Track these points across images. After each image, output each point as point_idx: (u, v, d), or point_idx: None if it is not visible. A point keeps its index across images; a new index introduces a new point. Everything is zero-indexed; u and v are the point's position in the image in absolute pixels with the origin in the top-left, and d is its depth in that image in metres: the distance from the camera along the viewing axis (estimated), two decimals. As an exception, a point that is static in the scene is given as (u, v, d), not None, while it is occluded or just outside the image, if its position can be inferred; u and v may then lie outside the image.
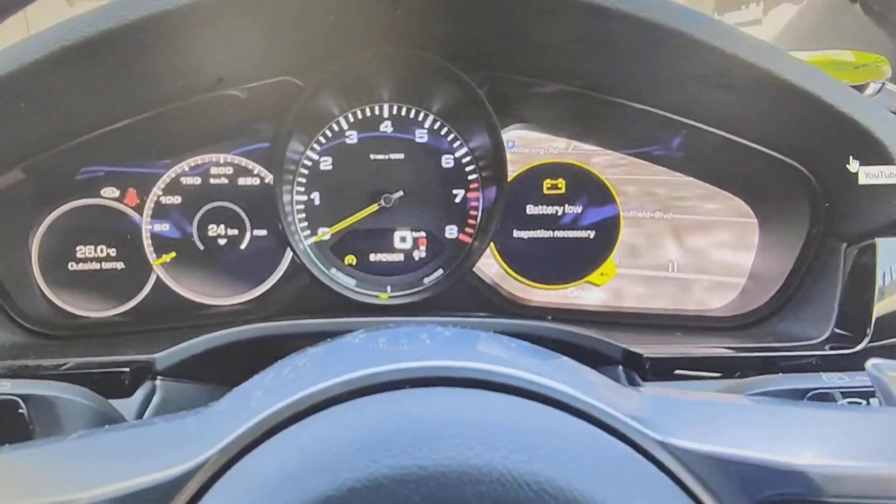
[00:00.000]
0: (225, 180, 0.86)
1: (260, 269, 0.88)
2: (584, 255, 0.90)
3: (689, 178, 0.87)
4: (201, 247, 0.87)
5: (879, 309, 0.69)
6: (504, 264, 0.91)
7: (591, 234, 0.90)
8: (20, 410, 0.56)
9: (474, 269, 0.89)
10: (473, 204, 0.90)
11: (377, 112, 0.88)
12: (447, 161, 0.89)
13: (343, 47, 0.81)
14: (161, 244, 0.86)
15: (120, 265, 0.85)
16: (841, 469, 0.34)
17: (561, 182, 0.89)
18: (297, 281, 0.87)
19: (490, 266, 0.91)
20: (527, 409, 0.34)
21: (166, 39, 0.67)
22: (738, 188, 0.86)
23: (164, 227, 0.85)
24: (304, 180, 0.88)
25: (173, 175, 0.85)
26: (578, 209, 0.89)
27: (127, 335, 0.83)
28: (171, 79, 0.75)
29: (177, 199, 0.85)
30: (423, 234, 0.90)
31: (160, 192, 0.85)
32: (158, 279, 0.86)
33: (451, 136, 0.89)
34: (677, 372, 0.71)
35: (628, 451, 0.33)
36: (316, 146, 0.88)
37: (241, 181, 0.86)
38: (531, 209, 0.90)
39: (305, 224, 0.89)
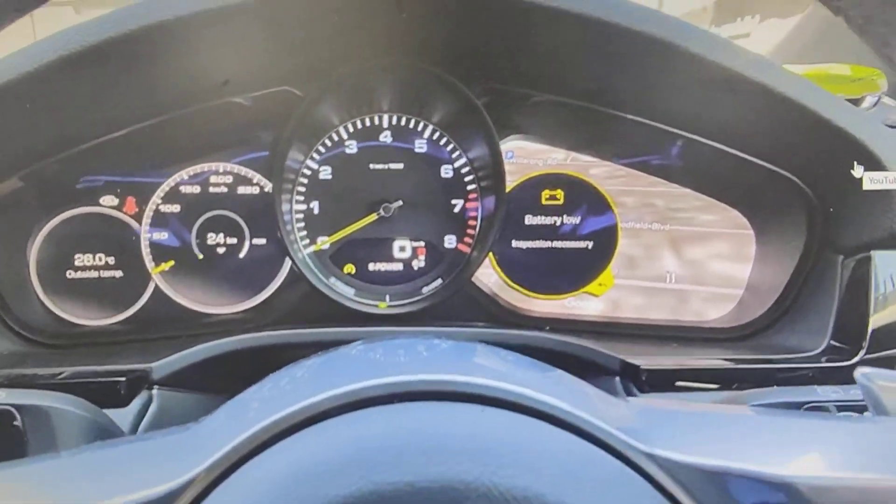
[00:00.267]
0: (224, 189, 0.86)
1: (259, 277, 0.88)
2: (582, 266, 0.90)
3: (687, 190, 0.88)
4: (200, 255, 0.87)
5: (875, 321, 0.69)
6: (502, 274, 0.91)
7: (590, 244, 0.90)
8: (14, 422, 0.55)
9: (473, 279, 0.89)
10: (472, 214, 0.90)
11: (377, 122, 0.89)
12: (446, 171, 0.90)
13: (344, 58, 0.81)
14: (160, 252, 0.86)
15: (118, 273, 0.85)
16: (829, 480, 0.34)
17: (559, 193, 0.90)
18: (296, 290, 0.87)
19: (489, 276, 0.91)
20: (514, 422, 0.34)
21: (169, 49, 0.67)
22: (736, 200, 0.87)
23: (162, 236, 0.86)
24: (303, 189, 0.89)
25: (172, 184, 0.85)
26: (577, 220, 0.90)
27: (124, 344, 0.83)
28: (173, 88, 0.76)
29: (176, 208, 0.85)
30: (422, 243, 0.91)
31: (159, 201, 0.85)
32: (157, 288, 0.86)
33: (450, 147, 0.90)
34: (676, 384, 0.71)
35: (616, 464, 0.33)
36: (316, 155, 0.88)
37: (241, 190, 0.86)
38: (530, 219, 0.90)
39: (304, 233, 0.89)
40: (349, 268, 0.90)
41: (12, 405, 0.56)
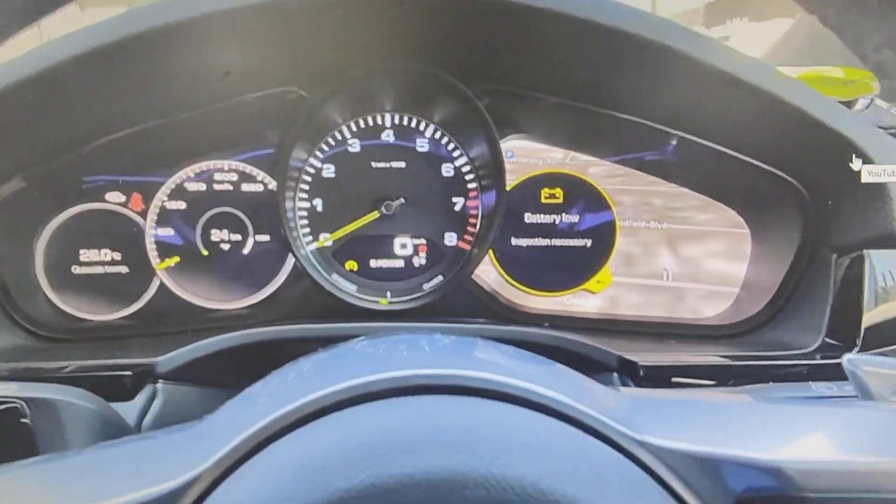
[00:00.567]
0: (229, 186, 0.87)
1: (262, 274, 0.89)
2: (580, 263, 0.91)
3: (684, 189, 0.89)
4: (204, 252, 0.88)
5: (868, 319, 0.70)
6: (502, 271, 0.92)
7: (588, 242, 0.91)
8: (22, 416, 0.56)
9: (473, 276, 0.90)
10: (473, 212, 0.92)
11: (379, 121, 0.90)
12: (447, 170, 0.91)
13: (348, 59, 0.82)
14: (165, 249, 0.87)
15: (124, 269, 0.86)
16: (819, 464, 0.34)
17: (558, 191, 0.91)
18: (299, 286, 0.88)
19: (488, 273, 0.92)
20: (509, 413, 0.34)
21: (180, 51, 0.68)
22: (732, 199, 0.88)
23: (167, 232, 0.87)
24: (306, 187, 0.90)
25: (178, 181, 0.86)
26: (575, 218, 0.91)
27: (130, 339, 0.84)
28: (182, 89, 0.76)
29: (181, 205, 0.86)
30: (423, 241, 0.92)
31: (164, 198, 0.86)
32: (162, 283, 0.87)
33: (451, 146, 0.91)
34: (673, 380, 0.72)
35: (609, 452, 0.34)
36: (319, 154, 0.89)
37: (245, 187, 0.87)
38: (529, 217, 0.91)
39: (307, 230, 0.90)
40: (351, 264, 0.92)
41: (20, 398, 0.57)
